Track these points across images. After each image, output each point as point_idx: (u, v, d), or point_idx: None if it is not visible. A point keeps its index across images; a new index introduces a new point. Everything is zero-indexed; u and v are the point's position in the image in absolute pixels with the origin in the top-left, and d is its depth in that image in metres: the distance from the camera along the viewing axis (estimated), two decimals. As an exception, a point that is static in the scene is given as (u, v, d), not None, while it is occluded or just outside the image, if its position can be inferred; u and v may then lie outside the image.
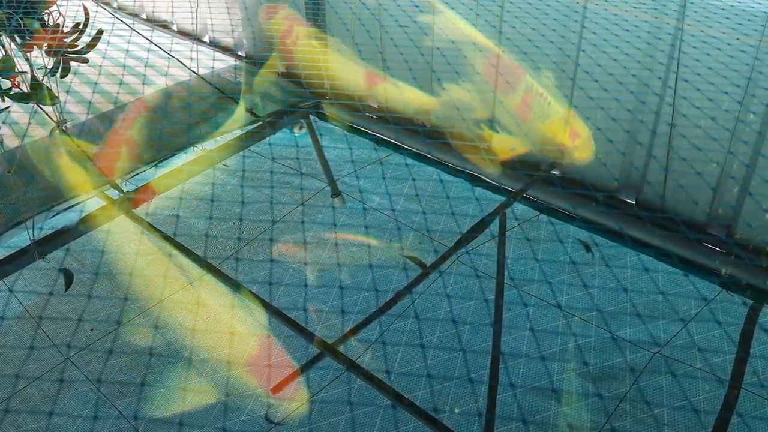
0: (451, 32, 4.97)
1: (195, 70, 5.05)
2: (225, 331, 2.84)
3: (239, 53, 5.45)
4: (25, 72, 4.98)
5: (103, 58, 5.21)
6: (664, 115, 4.26)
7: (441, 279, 3.09)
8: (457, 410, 2.50)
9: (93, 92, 4.65)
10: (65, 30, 5.78)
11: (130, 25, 5.89)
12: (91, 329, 2.84)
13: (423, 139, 4.12)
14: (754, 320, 2.86)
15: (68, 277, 3.10)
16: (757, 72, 4.69)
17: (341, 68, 4.54)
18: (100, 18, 6.09)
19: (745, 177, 3.71)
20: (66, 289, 3.04)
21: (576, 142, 3.66)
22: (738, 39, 5.20)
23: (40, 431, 2.44)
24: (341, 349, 2.76)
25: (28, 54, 5.31)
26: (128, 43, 5.49)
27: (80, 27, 5.87)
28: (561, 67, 4.88)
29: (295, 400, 2.55)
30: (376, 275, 3.11)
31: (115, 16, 6.12)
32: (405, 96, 3.95)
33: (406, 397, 2.55)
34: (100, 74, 4.91)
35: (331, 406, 2.52)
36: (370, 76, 4.15)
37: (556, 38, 5.35)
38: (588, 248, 3.25)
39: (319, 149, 4.11)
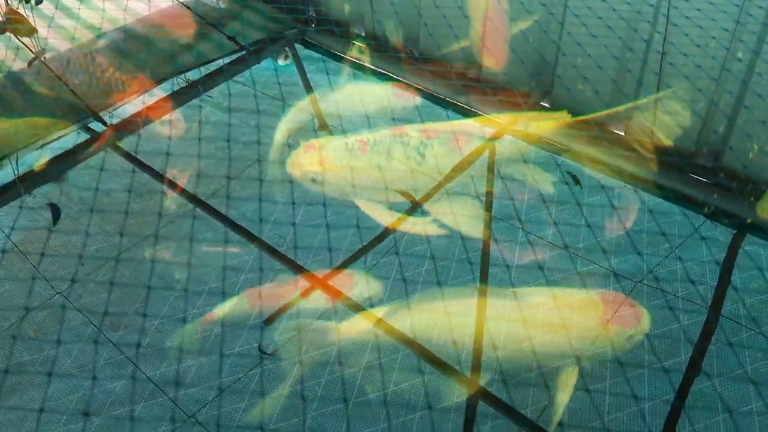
0: None
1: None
2: (217, 264, 2.86)
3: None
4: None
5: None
6: (655, 44, 4.20)
7: (428, 215, 3.11)
8: (443, 341, 2.57)
9: (73, 23, 4.49)
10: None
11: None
12: (82, 264, 2.85)
13: (408, 68, 4.06)
14: (736, 250, 2.92)
15: (56, 213, 3.09)
16: (746, 13, 4.60)
17: None
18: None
19: (733, 109, 3.71)
20: (54, 225, 3.03)
21: None
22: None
23: (36, 363, 2.49)
24: (330, 282, 2.80)
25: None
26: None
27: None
28: (549, 10, 4.76)
29: (287, 331, 2.60)
30: (363, 212, 3.12)
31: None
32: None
33: (396, 328, 2.62)
34: (80, 7, 4.74)
35: (319, 337, 2.59)
36: None
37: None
38: (576, 181, 3.26)
39: (305, 79, 4.03)
